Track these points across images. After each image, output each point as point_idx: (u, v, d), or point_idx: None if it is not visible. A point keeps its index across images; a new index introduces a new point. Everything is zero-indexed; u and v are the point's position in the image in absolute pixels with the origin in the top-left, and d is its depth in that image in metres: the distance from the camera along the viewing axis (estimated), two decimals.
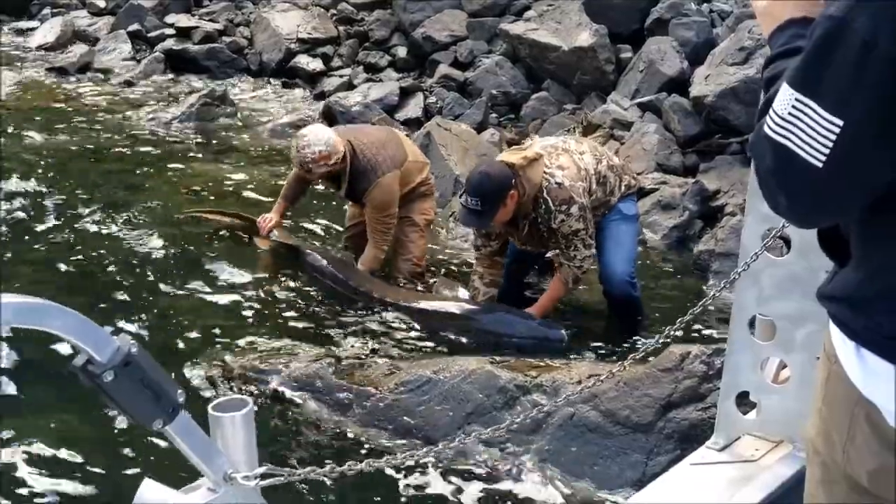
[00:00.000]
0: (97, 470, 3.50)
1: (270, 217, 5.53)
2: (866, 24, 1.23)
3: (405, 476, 3.46)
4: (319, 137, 5.02)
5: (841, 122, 1.25)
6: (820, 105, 1.27)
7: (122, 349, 1.48)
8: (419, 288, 5.19)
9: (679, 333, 2.22)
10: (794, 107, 1.29)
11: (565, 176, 4.51)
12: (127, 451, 3.55)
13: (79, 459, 3.55)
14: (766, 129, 1.33)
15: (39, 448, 3.61)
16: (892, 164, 1.28)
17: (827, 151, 1.26)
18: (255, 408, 1.62)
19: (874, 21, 1.23)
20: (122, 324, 4.59)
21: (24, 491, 3.39)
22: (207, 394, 3.95)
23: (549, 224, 4.52)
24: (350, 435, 3.76)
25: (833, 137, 1.26)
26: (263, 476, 1.67)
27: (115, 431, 3.64)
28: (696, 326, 4.64)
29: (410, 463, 3.40)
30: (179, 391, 1.57)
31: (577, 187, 4.50)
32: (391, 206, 5.12)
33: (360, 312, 4.86)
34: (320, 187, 5.96)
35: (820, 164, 1.27)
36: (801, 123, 1.28)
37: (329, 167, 5.00)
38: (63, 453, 3.59)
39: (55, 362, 4.04)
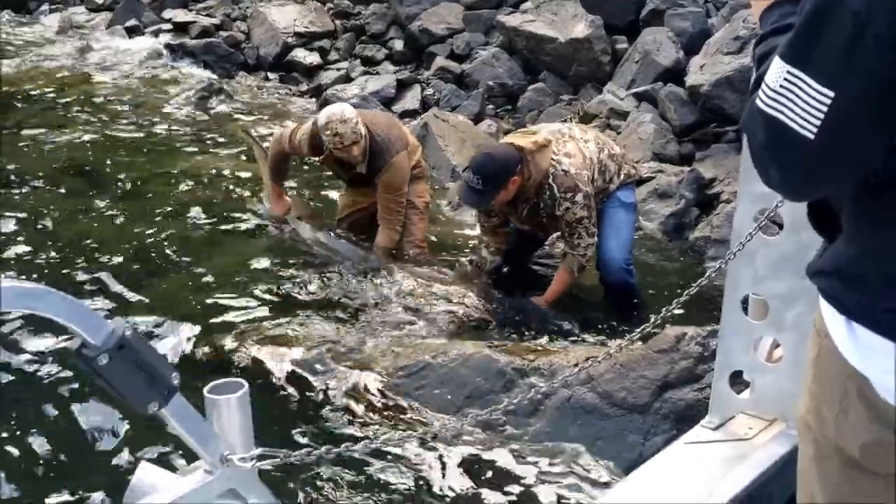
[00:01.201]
0: (93, 453, 3.53)
1: (281, 204, 5.63)
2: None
3: (402, 458, 3.47)
4: (345, 107, 5.10)
5: (832, 94, 1.25)
6: (811, 77, 1.27)
7: (116, 332, 1.49)
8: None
9: (676, 311, 2.23)
10: (785, 79, 1.30)
11: (572, 164, 4.54)
12: (125, 434, 3.57)
13: (75, 444, 3.58)
14: (758, 102, 1.33)
15: (36, 431, 3.65)
16: (884, 135, 1.28)
17: (819, 123, 1.27)
18: (256, 389, 1.63)
19: None
20: (122, 307, 4.62)
21: (19, 473, 3.42)
22: (206, 377, 3.96)
23: (553, 211, 4.54)
24: (348, 419, 3.78)
25: (824, 109, 1.26)
26: (260, 458, 1.69)
27: (114, 415, 3.66)
28: (691, 309, 4.64)
29: (408, 445, 3.40)
30: (174, 374, 1.58)
31: (582, 176, 4.53)
32: (404, 185, 5.21)
33: (360, 296, 4.87)
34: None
35: (812, 136, 1.27)
36: (793, 96, 1.29)
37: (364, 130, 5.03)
38: (59, 438, 3.61)
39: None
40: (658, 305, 4.84)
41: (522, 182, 4.50)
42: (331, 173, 5.80)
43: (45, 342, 4.23)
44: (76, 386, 3.89)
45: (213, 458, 1.65)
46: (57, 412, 3.79)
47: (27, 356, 4.18)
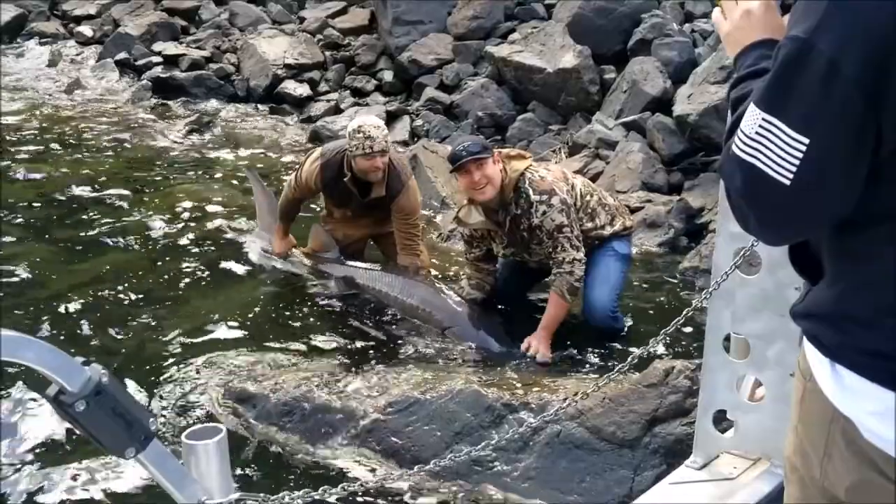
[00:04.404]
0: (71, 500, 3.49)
1: (284, 243, 5.63)
2: (830, 47, 1.25)
3: (385, 499, 3.44)
4: (377, 118, 5.20)
5: (807, 141, 1.27)
6: (786, 124, 1.29)
7: (93, 379, 1.48)
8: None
9: (661, 349, 2.23)
10: (761, 126, 1.32)
11: (549, 174, 4.59)
12: (101, 480, 3.53)
13: (54, 488, 3.53)
14: (734, 148, 1.35)
15: (21, 479, 3.60)
16: (859, 181, 1.29)
17: (794, 169, 1.28)
18: (240, 431, 1.62)
19: (838, 45, 1.25)
20: (106, 345, 4.61)
21: None
22: (189, 418, 3.94)
23: (531, 220, 4.53)
24: (337, 457, 3.75)
25: (800, 156, 1.28)
26: (237, 503, 1.68)
27: (88, 460, 3.63)
28: (680, 342, 4.64)
29: (389, 486, 3.37)
30: (151, 419, 1.57)
31: (559, 185, 4.54)
32: (419, 209, 5.33)
33: (347, 327, 4.86)
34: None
35: (788, 182, 1.29)
36: (769, 142, 1.30)
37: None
38: (38, 484, 3.56)
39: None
40: (647, 336, 4.82)
41: (504, 171, 4.52)
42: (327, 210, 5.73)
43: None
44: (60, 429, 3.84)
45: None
46: (41, 451, 3.75)
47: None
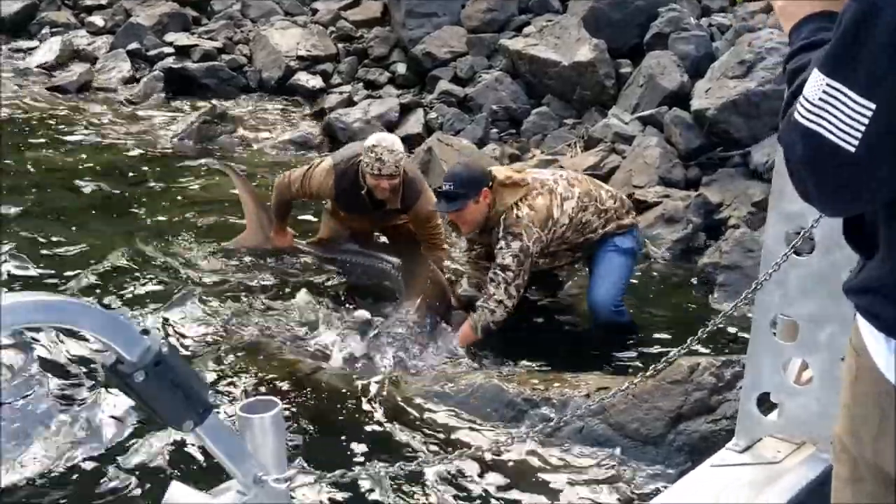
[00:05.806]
0: (124, 472, 3.44)
1: (284, 238, 5.63)
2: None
3: (440, 480, 3.38)
4: (396, 140, 5.15)
5: (873, 106, 1.24)
6: (852, 89, 1.26)
7: (152, 348, 1.45)
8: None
9: (695, 347, 2.20)
10: (825, 92, 1.28)
11: (529, 217, 4.52)
12: (154, 452, 3.51)
13: (105, 461, 3.50)
14: (796, 115, 1.32)
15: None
16: None
17: (859, 136, 1.25)
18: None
19: None
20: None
21: (52, 491, 3.37)
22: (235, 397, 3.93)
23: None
24: (362, 449, 3.74)
25: (865, 121, 1.25)
26: (293, 478, 1.65)
27: (143, 432, 3.58)
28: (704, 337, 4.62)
29: (443, 467, 3.31)
30: (210, 391, 1.56)
31: (532, 233, 4.49)
32: (437, 213, 5.31)
33: (373, 321, 4.86)
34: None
35: (853, 149, 1.26)
36: (833, 108, 1.27)
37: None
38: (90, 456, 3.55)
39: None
40: (666, 330, 4.83)
41: (490, 207, 4.54)
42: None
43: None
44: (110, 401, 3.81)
45: (247, 478, 1.61)
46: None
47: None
